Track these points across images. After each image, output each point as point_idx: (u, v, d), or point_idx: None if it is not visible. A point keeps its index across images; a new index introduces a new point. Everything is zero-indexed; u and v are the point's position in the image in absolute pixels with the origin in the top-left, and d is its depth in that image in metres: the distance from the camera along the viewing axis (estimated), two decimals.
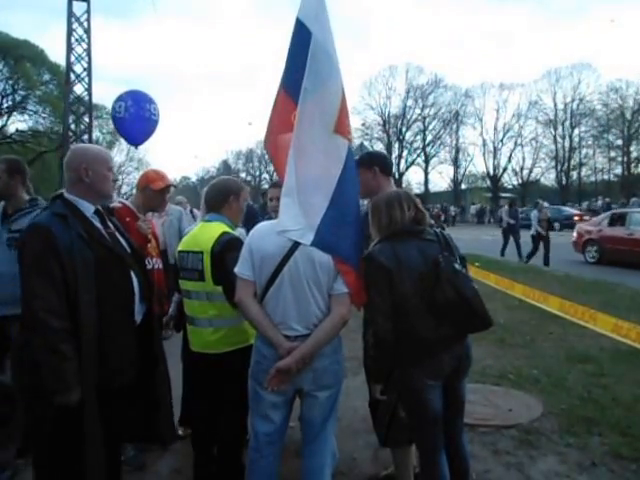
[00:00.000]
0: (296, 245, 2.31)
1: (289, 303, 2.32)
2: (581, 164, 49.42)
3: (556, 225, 25.98)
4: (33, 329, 2.19)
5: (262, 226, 2.52)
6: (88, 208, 2.42)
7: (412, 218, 2.47)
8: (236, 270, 2.39)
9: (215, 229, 2.77)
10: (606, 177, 48.89)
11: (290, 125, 2.52)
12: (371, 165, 2.96)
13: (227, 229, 2.79)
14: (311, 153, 2.41)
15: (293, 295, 2.31)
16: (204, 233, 2.80)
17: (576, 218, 30.51)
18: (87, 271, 2.26)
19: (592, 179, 50.14)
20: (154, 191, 3.40)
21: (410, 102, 53.67)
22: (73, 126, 18.82)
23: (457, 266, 2.42)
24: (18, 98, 32.09)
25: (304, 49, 2.47)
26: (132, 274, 2.48)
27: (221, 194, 2.88)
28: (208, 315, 2.75)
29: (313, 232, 2.34)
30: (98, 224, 2.45)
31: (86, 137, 18.99)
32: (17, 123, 33.45)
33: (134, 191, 3.93)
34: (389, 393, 2.56)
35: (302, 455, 2.53)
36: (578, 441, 3.60)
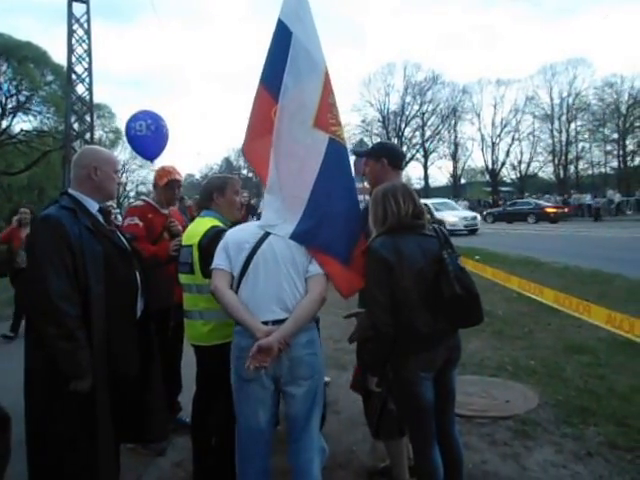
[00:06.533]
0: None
1: (265, 286, 2.34)
2: (578, 158, 49.40)
3: None
4: (47, 316, 2.18)
5: (243, 224, 2.63)
6: (92, 205, 2.49)
7: (410, 212, 2.42)
8: (212, 264, 2.44)
9: (205, 223, 2.85)
10: (603, 170, 48.96)
11: (270, 123, 2.57)
12: (379, 156, 2.90)
13: (217, 223, 2.86)
14: (291, 147, 2.46)
15: (269, 278, 2.34)
16: (196, 228, 2.90)
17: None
18: (96, 263, 2.32)
19: (589, 172, 50.24)
20: (161, 187, 3.80)
21: (408, 99, 53.72)
22: (76, 125, 18.91)
23: (460, 263, 2.40)
24: (22, 99, 31.89)
25: (285, 48, 2.53)
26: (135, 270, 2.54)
27: (206, 193, 3.00)
28: (199, 307, 2.80)
29: (293, 225, 2.39)
30: (102, 221, 2.51)
31: (88, 136, 19.02)
32: (22, 123, 33.47)
33: (139, 188, 4.31)
34: (381, 385, 2.58)
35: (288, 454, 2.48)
36: (574, 431, 3.62)
